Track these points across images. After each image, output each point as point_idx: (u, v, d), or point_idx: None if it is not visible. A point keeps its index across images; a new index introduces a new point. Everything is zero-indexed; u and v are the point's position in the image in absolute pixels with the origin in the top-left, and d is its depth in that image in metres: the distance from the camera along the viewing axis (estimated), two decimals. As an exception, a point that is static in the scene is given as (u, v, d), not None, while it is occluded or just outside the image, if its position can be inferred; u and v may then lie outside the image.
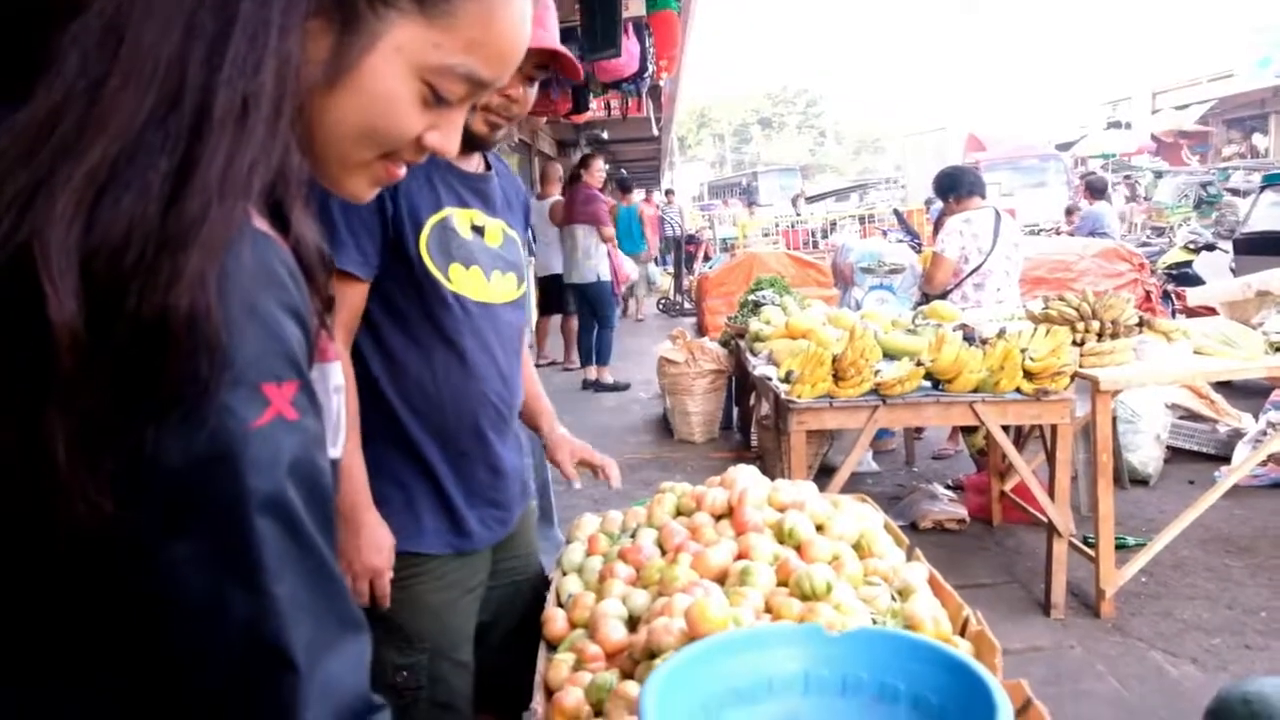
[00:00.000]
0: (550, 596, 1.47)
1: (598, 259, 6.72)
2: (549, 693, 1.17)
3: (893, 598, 1.29)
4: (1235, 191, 13.74)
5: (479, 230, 1.29)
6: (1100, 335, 3.11)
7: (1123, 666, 2.75)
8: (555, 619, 1.35)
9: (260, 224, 0.53)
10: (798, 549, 1.37)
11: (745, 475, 1.59)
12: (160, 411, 0.46)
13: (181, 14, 0.49)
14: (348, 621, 0.53)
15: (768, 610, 1.20)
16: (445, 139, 0.63)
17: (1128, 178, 18.01)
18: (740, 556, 1.35)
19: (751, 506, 1.46)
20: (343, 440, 0.64)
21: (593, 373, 6.93)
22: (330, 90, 0.57)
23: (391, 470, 1.22)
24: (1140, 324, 3.17)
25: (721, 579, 1.29)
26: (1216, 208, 12.76)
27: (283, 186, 0.54)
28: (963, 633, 1.26)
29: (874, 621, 1.15)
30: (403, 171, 0.64)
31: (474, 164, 1.33)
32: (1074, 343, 3.08)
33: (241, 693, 0.49)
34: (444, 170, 1.26)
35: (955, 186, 4.27)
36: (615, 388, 6.90)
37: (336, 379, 0.62)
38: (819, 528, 1.45)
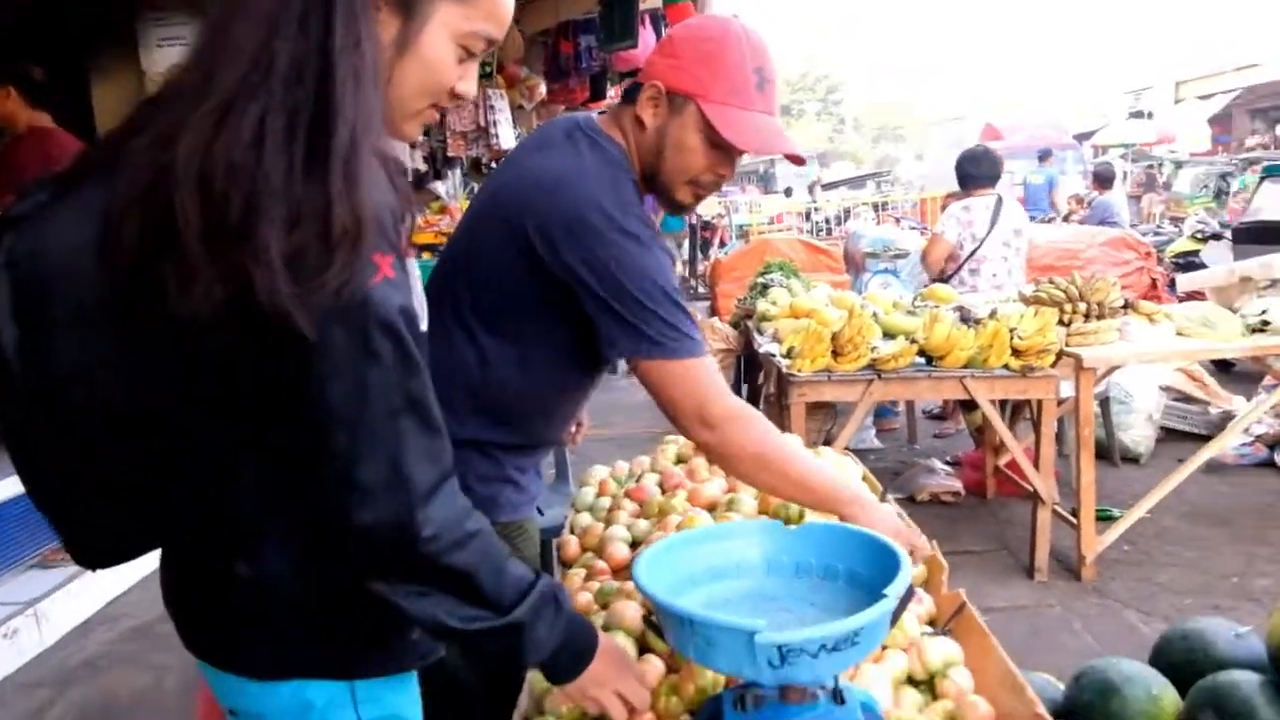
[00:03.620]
0: (564, 528, 1.69)
1: None
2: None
3: (859, 528, 1.50)
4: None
5: None
6: (1087, 316, 3.29)
7: (1098, 624, 2.95)
8: (569, 544, 1.58)
9: None
10: (780, 488, 1.58)
11: (738, 427, 1.80)
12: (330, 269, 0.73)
13: (280, 12, 0.75)
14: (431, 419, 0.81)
15: (750, 532, 1.41)
16: (468, 85, 0.90)
17: (1149, 167, 17.95)
18: (729, 492, 1.56)
19: (741, 452, 1.67)
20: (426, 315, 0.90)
21: None
22: (399, 61, 0.83)
23: (505, 461, 1.38)
24: (1125, 306, 3.34)
25: (712, 509, 1.51)
26: (1235, 197, 12.77)
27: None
28: (918, 557, 1.47)
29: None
30: (436, 114, 0.91)
31: None
32: (1061, 323, 3.26)
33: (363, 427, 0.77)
34: None
35: (960, 175, 4.39)
36: None
37: (415, 272, 0.87)
38: (800, 471, 1.66)
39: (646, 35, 5.75)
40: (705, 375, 1.22)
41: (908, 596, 0.85)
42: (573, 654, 0.92)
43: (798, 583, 1.01)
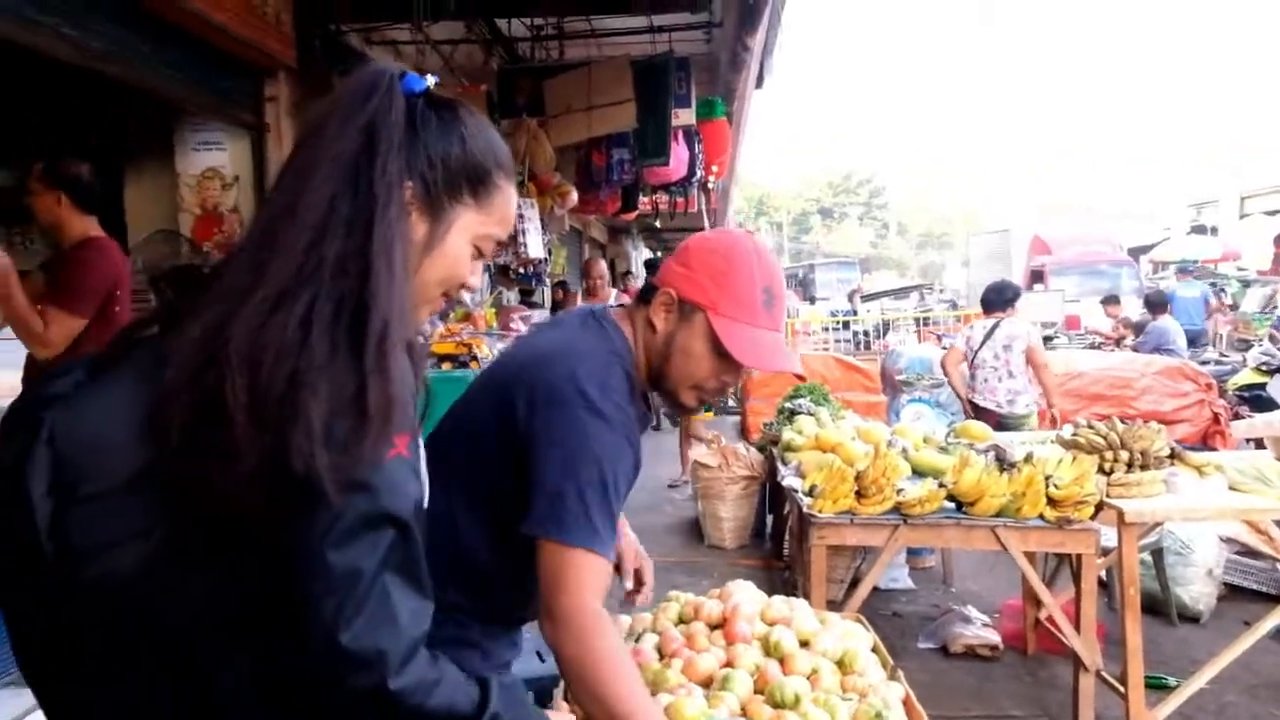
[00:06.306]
0: (558, 691, 1.70)
1: None
2: (546, 776, 1.40)
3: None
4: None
5: None
6: (1130, 465, 3.28)
7: (1147, 812, 2.82)
8: (561, 709, 1.59)
9: None
10: (781, 661, 1.60)
11: (742, 590, 1.82)
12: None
13: (329, 217, 0.89)
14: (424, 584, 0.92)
15: (744, 713, 1.42)
16: (476, 279, 1.08)
17: (1213, 285, 17.96)
18: (726, 664, 1.58)
19: (743, 620, 1.70)
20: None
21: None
22: (424, 257, 0.99)
23: (473, 627, 1.43)
24: (1171, 456, 3.33)
25: (707, 683, 1.52)
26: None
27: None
28: (924, 749, 1.46)
29: (835, 731, 1.37)
30: (444, 304, 1.06)
31: None
32: (1102, 470, 3.26)
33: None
34: None
35: (983, 302, 5.87)
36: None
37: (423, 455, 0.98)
38: (804, 643, 1.68)
39: (679, 150, 6.03)
40: (579, 569, 1.24)
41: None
42: None
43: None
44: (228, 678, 0.90)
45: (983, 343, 5.57)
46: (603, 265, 6.93)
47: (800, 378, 1.51)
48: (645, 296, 1.42)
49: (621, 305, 1.50)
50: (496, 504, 1.35)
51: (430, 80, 1.00)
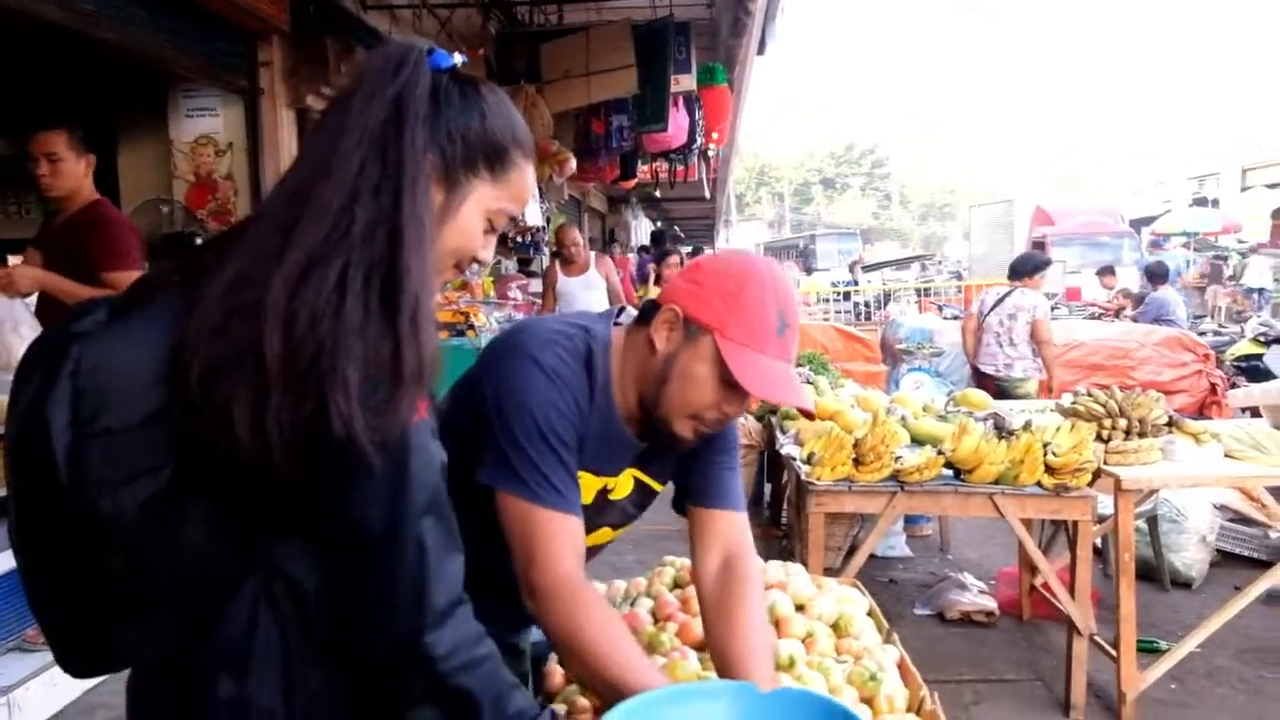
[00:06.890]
0: (553, 654, 1.71)
1: None
2: (541, 738, 1.41)
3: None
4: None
5: (605, 491, 1.40)
6: (1128, 433, 3.27)
7: (1138, 774, 2.85)
8: (555, 674, 1.59)
9: None
10: (776, 624, 1.60)
11: (737, 554, 1.82)
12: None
13: (358, 182, 0.90)
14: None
15: (738, 676, 1.42)
16: (487, 253, 1.08)
17: (1215, 258, 17.91)
18: (721, 628, 1.58)
19: (739, 583, 1.69)
20: None
21: None
22: (439, 227, 0.98)
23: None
24: (1169, 424, 3.33)
25: (701, 647, 1.52)
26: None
27: None
28: (918, 712, 1.47)
29: (829, 692, 1.37)
30: (457, 275, 1.07)
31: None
32: (1100, 439, 3.25)
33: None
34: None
35: (1009, 270, 6.04)
36: None
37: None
38: (799, 607, 1.68)
39: (679, 117, 5.96)
40: (549, 534, 1.21)
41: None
42: None
43: (770, 750, 1.03)
44: (238, 614, 0.92)
45: (992, 308, 5.80)
46: (576, 233, 6.41)
47: (809, 415, 1.43)
48: (645, 316, 1.33)
49: (621, 316, 1.43)
50: (473, 502, 1.24)
51: (458, 59, 1.02)
